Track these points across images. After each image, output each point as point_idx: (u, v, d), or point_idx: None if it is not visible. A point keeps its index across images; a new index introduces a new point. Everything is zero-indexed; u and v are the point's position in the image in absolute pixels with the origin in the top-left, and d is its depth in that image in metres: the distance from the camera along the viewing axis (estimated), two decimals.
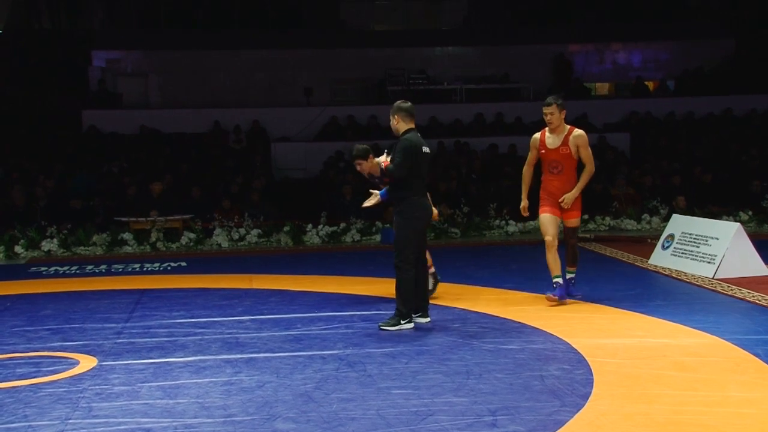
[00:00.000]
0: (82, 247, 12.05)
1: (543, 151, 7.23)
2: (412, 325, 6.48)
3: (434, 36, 21.57)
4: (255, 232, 12.69)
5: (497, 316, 6.87)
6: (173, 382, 5.04)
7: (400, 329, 6.41)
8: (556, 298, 7.13)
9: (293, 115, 18.21)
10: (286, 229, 12.80)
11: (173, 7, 20.08)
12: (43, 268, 10.59)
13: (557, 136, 7.15)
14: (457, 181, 14.35)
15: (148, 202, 12.99)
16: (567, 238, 7.45)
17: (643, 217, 13.21)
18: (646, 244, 11.03)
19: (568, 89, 19.28)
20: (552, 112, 7.09)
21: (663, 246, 9.58)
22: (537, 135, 7.33)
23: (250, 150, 17.03)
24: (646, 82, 20.97)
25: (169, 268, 10.63)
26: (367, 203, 6.81)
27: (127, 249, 12.13)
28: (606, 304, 7.27)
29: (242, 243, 12.57)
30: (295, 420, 4.28)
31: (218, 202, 13.48)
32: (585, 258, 10.83)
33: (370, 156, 7.06)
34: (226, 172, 15.20)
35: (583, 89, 20.62)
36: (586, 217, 13.36)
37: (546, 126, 7.25)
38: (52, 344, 6.16)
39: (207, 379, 5.10)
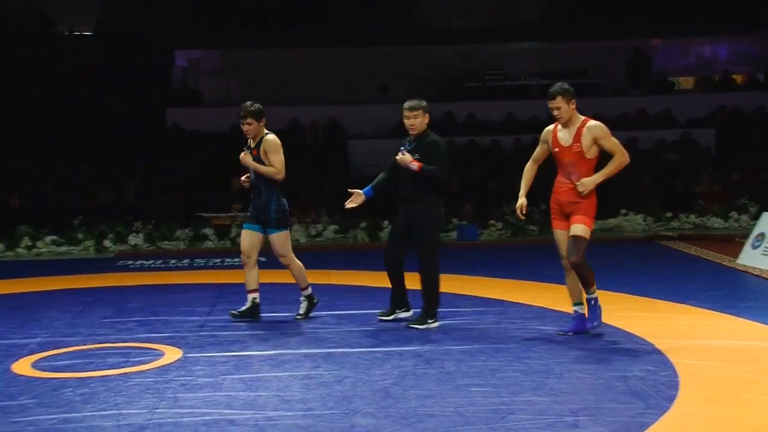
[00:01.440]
0: (166, 242, 12.38)
1: (556, 149, 5.95)
2: (437, 324, 6.47)
3: (511, 32, 21.30)
4: (332, 228, 12.82)
5: None
6: (254, 375, 5.13)
7: (428, 328, 6.40)
8: (567, 332, 6.01)
9: (369, 112, 18.28)
10: (362, 225, 12.89)
11: (252, 7, 20.39)
12: (129, 262, 10.93)
13: (569, 130, 5.89)
14: (537, 177, 14.20)
15: (228, 197, 13.26)
16: (567, 253, 5.93)
17: (730, 214, 12.81)
18: (733, 243, 10.67)
19: (648, 84, 18.83)
20: (558, 106, 5.83)
21: (753, 245, 9.25)
22: (550, 127, 6.06)
23: (327, 147, 17.19)
24: (733, 76, 20.29)
25: None
26: (351, 204, 6.71)
27: (209, 244, 12.40)
28: (691, 304, 7.08)
29: (319, 239, 12.72)
30: (374, 415, 4.31)
31: (296, 198, 13.66)
32: (669, 257, 10.60)
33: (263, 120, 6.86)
34: (303, 169, 15.38)
35: (666, 84, 20.09)
36: (669, 214, 13.06)
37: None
38: (139, 335, 6.35)
39: (287, 373, 5.17)
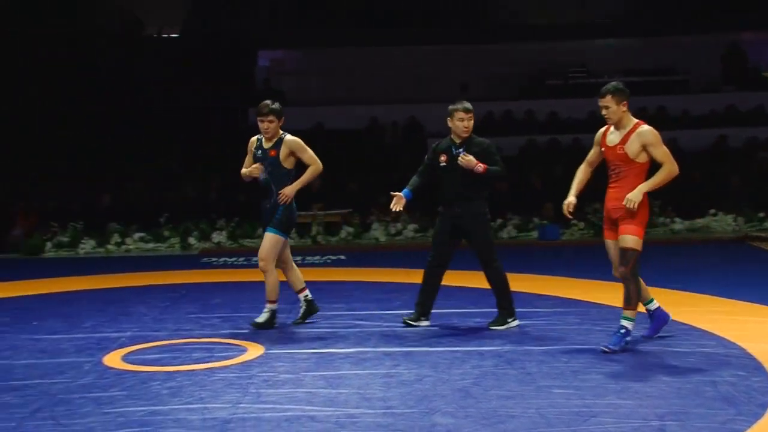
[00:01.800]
0: (248, 239, 12.62)
1: (603, 148, 5.73)
2: (517, 322, 6.43)
3: (594, 28, 20.90)
4: (412, 227, 12.83)
5: None
6: (335, 373, 5.17)
7: (509, 327, 6.35)
8: (608, 349, 5.51)
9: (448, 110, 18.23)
10: None
11: (334, 7, 20.58)
12: (213, 259, 11.18)
13: (619, 133, 5.62)
14: None
15: (309, 196, 13.40)
16: (618, 265, 5.64)
17: None
18: None
19: (742, 80, 18.18)
20: (607, 105, 5.58)
21: None
22: (602, 129, 5.84)
23: (406, 145, 17.21)
24: None
25: (328, 261, 10.95)
26: (398, 207, 6.57)
27: (290, 242, 12.57)
28: None
29: (399, 237, 12.75)
30: (454, 415, 4.29)
31: (375, 197, 13.73)
32: (760, 258, 10.24)
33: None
34: (383, 168, 15.44)
35: (760, 79, 19.36)
36: (762, 215, 12.61)
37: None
38: (223, 331, 6.48)
39: (367, 371, 5.19)
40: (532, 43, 19.82)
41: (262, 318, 6.52)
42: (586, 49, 20.28)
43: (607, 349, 5.48)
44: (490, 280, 6.56)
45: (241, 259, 11.16)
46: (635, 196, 5.45)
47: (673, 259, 9.98)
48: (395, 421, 4.21)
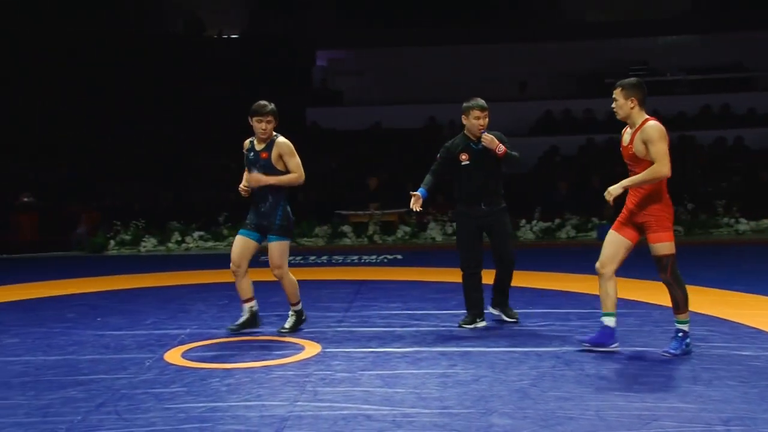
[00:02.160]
0: (305, 239, 12.71)
1: (621, 147, 5.61)
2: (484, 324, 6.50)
3: (657, 25, 20.53)
4: None
5: (727, 320, 6.44)
6: (391, 372, 5.16)
7: (476, 327, 6.46)
8: (587, 344, 5.57)
9: (507, 109, 18.09)
10: None
11: (392, 7, 20.61)
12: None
13: (630, 130, 5.48)
14: (681, 176, 13.64)
15: (366, 196, 13.45)
16: (658, 272, 5.44)
17: None
18: None
19: None
20: (615, 98, 5.45)
21: None
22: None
23: None
24: None
25: (385, 260, 10.97)
26: (417, 206, 6.50)
27: (346, 241, 12.63)
28: None
29: (455, 237, 12.68)
30: (512, 416, 4.25)
31: (432, 197, 13.69)
32: None
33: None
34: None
35: None
36: None
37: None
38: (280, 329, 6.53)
39: (423, 371, 5.18)
40: (592, 40, 19.55)
41: (289, 323, 6.42)
42: (647, 46, 19.93)
43: (667, 354, 5.37)
44: (502, 276, 6.57)
45: (299, 257, 11.24)
46: (615, 189, 5.35)
47: (737, 261, 9.73)
48: (452, 421, 4.19)
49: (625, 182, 5.35)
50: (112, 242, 12.97)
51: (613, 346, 5.50)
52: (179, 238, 12.92)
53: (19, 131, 17.28)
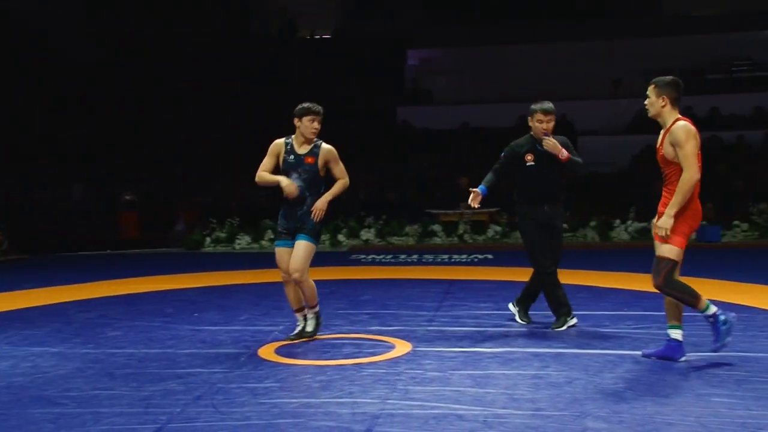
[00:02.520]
0: (395, 237, 12.76)
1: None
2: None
3: (763, 18, 19.72)
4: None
5: None
6: (482, 372, 5.12)
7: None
8: (650, 356, 5.34)
9: (601, 107, 17.74)
10: (592, 224, 12.53)
11: (482, 4, 20.48)
12: (361, 256, 11.38)
13: (663, 131, 5.22)
14: None
15: (456, 195, 13.40)
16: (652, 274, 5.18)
17: None
18: None
19: None
20: (647, 95, 5.24)
21: None
22: None
23: None
24: None
25: (475, 260, 10.90)
26: (474, 203, 6.41)
27: (436, 240, 12.62)
28: None
29: (522, 239, 12.52)
30: (607, 420, 4.15)
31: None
32: None
33: None
34: None
35: None
36: None
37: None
38: (371, 328, 6.57)
39: (515, 371, 5.12)
40: (695, 36, 18.90)
41: (311, 325, 6.21)
42: (752, 40, 19.15)
43: (717, 349, 5.13)
44: (537, 281, 6.56)
45: (389, 256, 11.29)
46: (665, 222, 5.00)
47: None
48: (544, 423, 4.12)
49: (670, 211, 5.02)
50: (208, 239, 13.31)
51: (681, 359, 5.25)
52: (272, 236, 13.16)
53: (121, 131, 17.95)
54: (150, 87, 19.04)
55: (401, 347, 5.82)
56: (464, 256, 11.14)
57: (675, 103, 5.17)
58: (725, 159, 15.02)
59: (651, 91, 5.22)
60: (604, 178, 15.78)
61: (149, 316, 7.29)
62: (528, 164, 6.42)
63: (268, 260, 11.55)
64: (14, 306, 8.00)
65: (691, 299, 5.11)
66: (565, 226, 12.49)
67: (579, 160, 6.42)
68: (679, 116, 5.18)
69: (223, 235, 13.24)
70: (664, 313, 6.75)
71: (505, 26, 20.08)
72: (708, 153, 15.72)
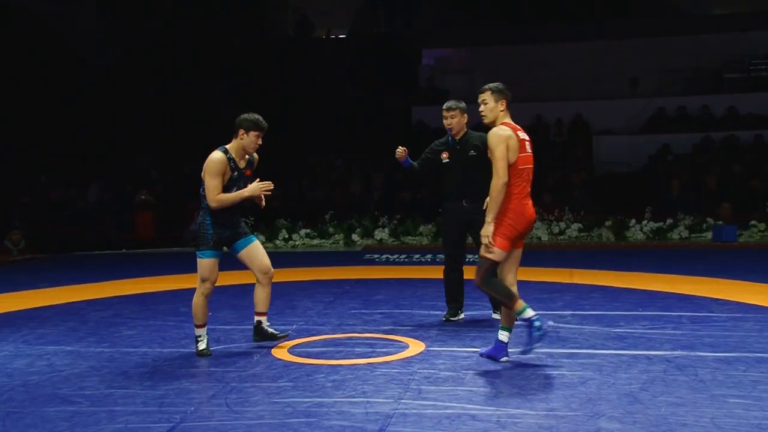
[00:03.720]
0: (410, 237, 12.75)
1: None
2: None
3: None
4: (575, 226, 12.53)
5: None
6: (496, 372, 5.11)
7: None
8: (481, 354, 5.42)
9: (617, 107, 17.65)
10: (608, 223, 12.48)
11: (498, 4, 20.44)
12: (375, 256, 11.37)
13: None
14: None
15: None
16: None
17: None
18: None
19: None
20: (484, 100, 5.36)
21: None
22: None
23: (571, 143, 16.81)
24: None
25: None
26: (399, 155, 6.81)
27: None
28: None
29: (562, 237, 12.47)
30: (621, 420, 4.13)
31: (539, 196, 13.48)
32: None
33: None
34: (547, 166, 15.15)
35: None
36: None
37: None
38: (384, 327, 6.57)
39: (528, 371, 5.10)
40: (713, 35, 18.74)
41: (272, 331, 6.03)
42: None
43: (525, 351, 5.23)
44: (455, 278, 6.83)
45: (403, 256, 11.29)
46: (485, 230, 5.13)
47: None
48: (558, 423, 4.11)
49: (488, 217, 5.14)
50: None
51: (502, 359, 5.31)
52: (286, 236, 13.19)
53: (137, 131, 18.04)
54: (164, 87, 19.13)
55: (415, 347, 5.82)
56: (477, 256, 11.10)
57: (508, 108, 5.32)
58: (742, 159, 14.91)
59: (488, 96, 5.30)
60: (620, 177, 15.71)
61: (163, 315, 7.32)
62: (444, 161, 6.77)
63: (281, 260, 11.60)
64: (30, 305, 8.06)
65: (507, 301, 5.20)
66: (580, 225, 12.48)
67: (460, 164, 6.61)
68: (508, 121, 5.26)
69: None
70: (679, 313, 6.75)
71: (520, 26, 20.01)
72: (725, 153, 15.63)
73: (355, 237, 12.89)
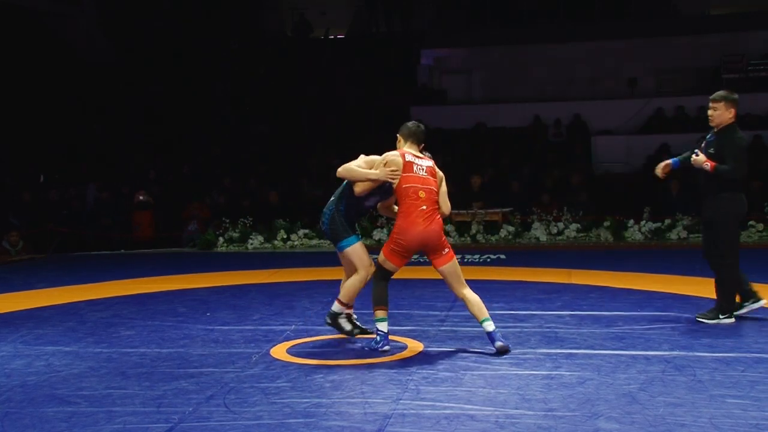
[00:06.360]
0: None
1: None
2: (732, 320, 6.32)
3: None
4: (574, 226, 12.54)
5: None
6: (494, 372, 5.12)
7: (719, 323, 6.26)
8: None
9: (616, 107, 17.65)
10: (606, 224, 12.48)
11: (497, 3, 20.44)
12: (374, 256, 11.33)
13: None
14: None
15: (469, 195, 13.37)
16: None
17: None
18: None
19: None
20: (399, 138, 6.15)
21: None
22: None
23: (570, 143, 16.82)
24: None
25: (488, 260, 10.87)
26: (661, 171, 6.72)
27: (449, 240, 12.59)
28: None
29: (560, 237, 12.48)
30: (619, 420, 4.13)
31: (537, 196, 13.49)
32: None
33: None
34: (545, 166, 15.16)
35: None
36: None
37: None
38: None
39: (527, 372, 5.11)
40: (711, 34, 18.73)
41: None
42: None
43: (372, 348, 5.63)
44: (716, 274, 6.57)
45: None
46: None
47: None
48: (556, 423, 4.11)
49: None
50: (221, 239, 13.35)
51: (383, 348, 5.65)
52: (285, 236, 13.18)
53: (136, 132, 18.03)
54: (164, 87, 19.12)
55: (413, 347, 5.82)
56: (477, 256, 11.10)
57: (406, 139, 6.23)
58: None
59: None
60: (618, 177, 15.71)
61: (162, 316, 7.32)
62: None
63: (280, 260, 11.62)
64: (28, 305, 8.05)
65: (374, 304, 5.70)
66: (578, 226, 12.48)
67: (725, 168, 6.46)
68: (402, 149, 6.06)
69: (235, 234, 13.29)
70: (677, 314, 6.76)
71: (519, 26, 20.02)
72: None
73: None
